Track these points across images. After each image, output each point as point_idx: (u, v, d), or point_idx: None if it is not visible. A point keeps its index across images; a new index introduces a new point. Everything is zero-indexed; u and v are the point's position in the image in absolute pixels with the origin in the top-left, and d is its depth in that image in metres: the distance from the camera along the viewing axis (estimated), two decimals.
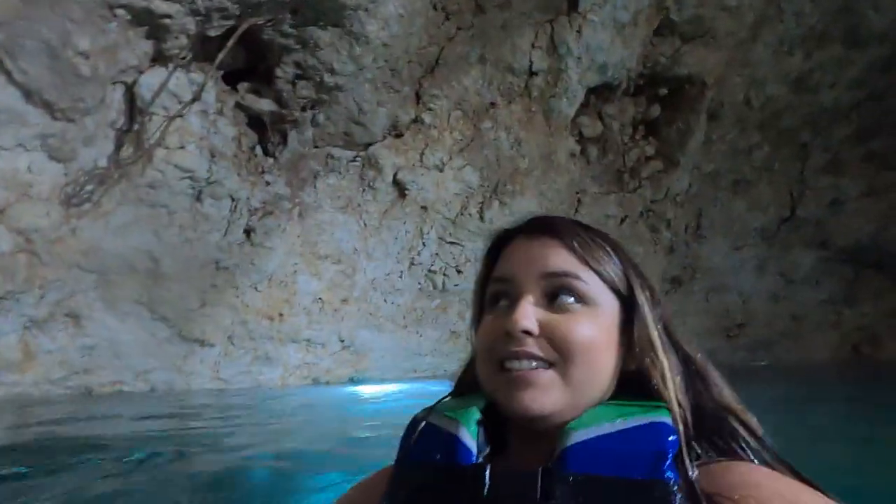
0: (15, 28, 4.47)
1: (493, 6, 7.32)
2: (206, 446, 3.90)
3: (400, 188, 7.49)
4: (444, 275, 8.08)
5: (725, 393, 0.88)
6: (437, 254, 7.97)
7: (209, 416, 5.12)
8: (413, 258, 7.87)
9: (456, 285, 8.17)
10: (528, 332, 0.82)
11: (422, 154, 7.53)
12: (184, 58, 5.58)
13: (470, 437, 0.84)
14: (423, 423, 0.90)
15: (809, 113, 9.19)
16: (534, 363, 0.82)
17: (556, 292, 0.85)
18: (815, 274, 10.47)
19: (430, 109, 7.47)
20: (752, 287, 10.28)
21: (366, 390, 7.25)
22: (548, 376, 0.82)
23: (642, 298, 0.89)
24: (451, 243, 8.01)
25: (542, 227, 0.91)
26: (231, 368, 6.79)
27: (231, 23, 5.65)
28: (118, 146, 5.44)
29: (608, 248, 0.91)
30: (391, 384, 7.59)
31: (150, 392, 6.22)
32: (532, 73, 7.87)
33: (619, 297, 0.89)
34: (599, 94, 8.48)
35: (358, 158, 7.25)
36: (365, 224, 7.39)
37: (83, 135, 5.12)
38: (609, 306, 0.87)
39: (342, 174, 7.15)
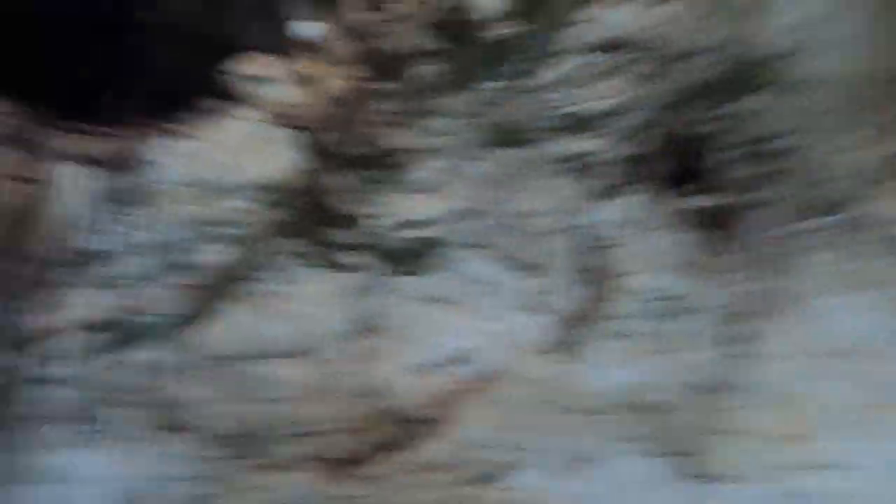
0: (491, 209, 5.10)
1: None
2: None
3: None
4: None
5: None
6: None
7: None
8: None
9: None
10: None
11: None
12: (621, 184, 5.61)
13: None
14: None
15: None
16: None
17: None
18: None
19: None
20: None
21: None
22: None
23: None
24: None
25: None
26: None
27: (655, 131, 5.52)
28: (582, 285, 5.58)
29: None
30: None
31: None
32: None
33: None
34: None
35: (840, 222, 5.97)
36: (879, 301, 5.86)
37: (552, 283, 5.40)
38: None
39: (828, 246, 5.93)
